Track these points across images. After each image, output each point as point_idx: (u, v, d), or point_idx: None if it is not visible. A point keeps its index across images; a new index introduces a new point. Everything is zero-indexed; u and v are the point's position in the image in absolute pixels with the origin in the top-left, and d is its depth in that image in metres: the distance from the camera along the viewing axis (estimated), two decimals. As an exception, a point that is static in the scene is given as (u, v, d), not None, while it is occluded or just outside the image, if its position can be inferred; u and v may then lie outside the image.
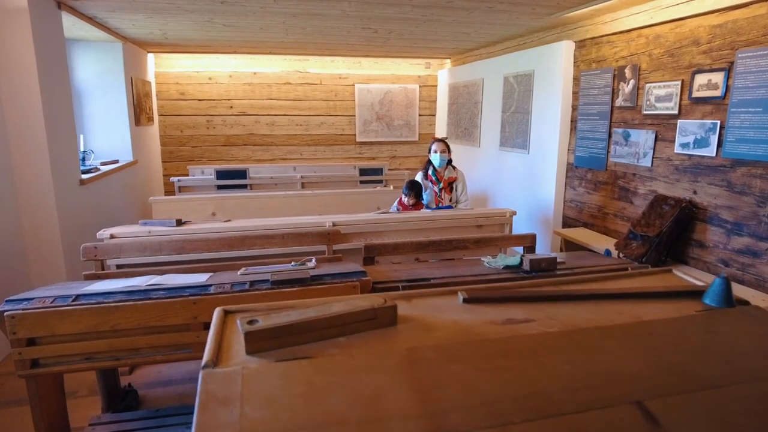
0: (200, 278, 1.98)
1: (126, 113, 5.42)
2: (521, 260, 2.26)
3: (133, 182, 5.52)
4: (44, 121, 3.35)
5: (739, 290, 2.90)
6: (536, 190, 5.12)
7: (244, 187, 5.18)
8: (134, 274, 2.46)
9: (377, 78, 7.73)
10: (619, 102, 4.04)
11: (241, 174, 5.17)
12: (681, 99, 3.44)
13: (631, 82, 3.89)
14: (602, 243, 3.94)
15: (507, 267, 2.26)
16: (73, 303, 1.66)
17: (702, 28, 3.26)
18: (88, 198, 4.07)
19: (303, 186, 5.39)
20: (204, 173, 6.08)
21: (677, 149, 3.47)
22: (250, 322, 0.72)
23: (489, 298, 0.89)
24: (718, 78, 3.15)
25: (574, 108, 4.64)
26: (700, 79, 3.27)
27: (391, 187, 4.57)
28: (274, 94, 7.41)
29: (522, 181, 5.35)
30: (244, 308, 0.85)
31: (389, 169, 5.85)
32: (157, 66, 6.92)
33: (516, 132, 5.43)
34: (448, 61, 7.63)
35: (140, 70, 6.08)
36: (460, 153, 6.74)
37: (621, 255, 3.58)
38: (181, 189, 5.08)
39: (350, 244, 3.00)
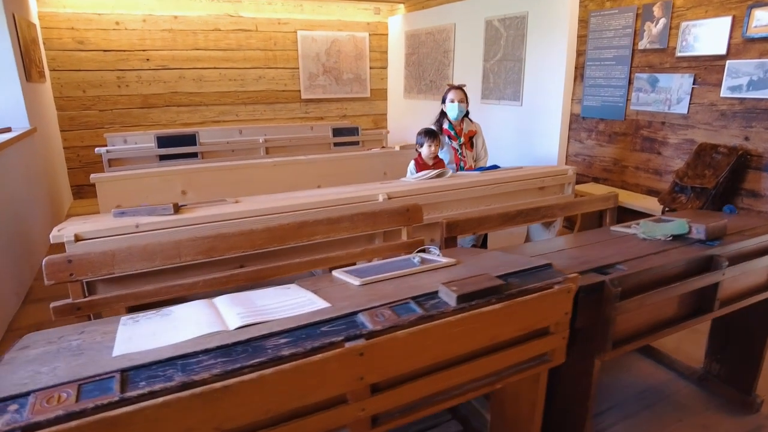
0: (307, 298, 1.19)
1: (13, 64, 3.97)
2: (689, 228, 1.77)
3: (34, 157, 4.14)
4: None
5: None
6: (532, 145, 4.72)
7: (193, 155, 4.10)
8: (135, 298, 1.56)
9: (322, 24, 6.74)
10: (643, 44, 3.69)
11: (190, 140, 4.08)
12: (731, 37, 3.13)
13: (662, 21, 3.54)
14: (638, 200, 3.65)
15: (675, 237, 1.76)
16: (132, 394, 0.81)
17: (763, -45, 2.94)
18: (-15, 181, 2.83)
19: (267, 151, 4.44)
20: (127, 142, 4.80)
21: (724, 93, 3.20)
22: None
23: None
24: (783, 11, 2.86)
25: (580, 53, 4.24)
26: (759, 15, 2.97)
27: (397, 147, 3.86)
28: (201, 43, 6.12)
29: (513, 136, 4.91)
30: None
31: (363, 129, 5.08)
32: (40, 4, 5.27)
33: (504, 82, 4.94)
34: (402, 6, 6.85)
35: (22, 7, 4.53)
36: (427, 109, 6.13)
37: (667, 210, 3.31)
38: (111, 163, 3.87)
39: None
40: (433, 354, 1.06)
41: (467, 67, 5.45)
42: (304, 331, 1.02)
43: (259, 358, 0.91)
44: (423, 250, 1.60)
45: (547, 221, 3.00)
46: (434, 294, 1.18)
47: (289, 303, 1.18)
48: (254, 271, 1.68)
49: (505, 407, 1.49)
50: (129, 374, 0.88)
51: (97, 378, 0.87)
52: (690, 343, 2.50)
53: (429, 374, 1.07)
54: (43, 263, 1.44)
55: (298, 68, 6.74)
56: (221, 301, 1.25)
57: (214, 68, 6.28)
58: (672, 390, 2.25)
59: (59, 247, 1.86)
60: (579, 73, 4.28)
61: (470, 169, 3.43)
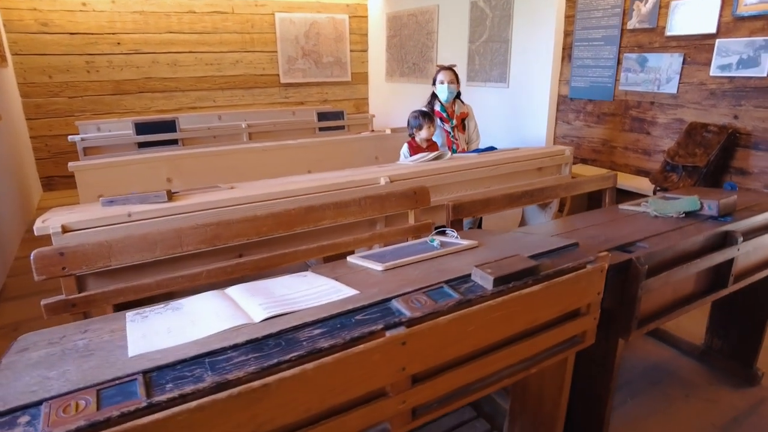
0: (330, 286, 1.11)
1: (-27, 46, 3.70)
2: (701, 204, 1.76)
3: (1, 148, 3.88)
4: None
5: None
6: (519, 127, 4.70)
7: (174, 142, 3.93)
8: (135, 292, 1.45)
9: (300, 6, 6.53)
10: (632, 24, 3.67)
11: (169, 126, 3.90)
12: (721, 16, 3.14)
13: (651, 0, 3.52)
14: (628, 180, 3.67)
15: (688, 214, 1.75)
16: (160, 399, 0.72)
17: (754, -69, 2.93)
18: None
19: (251, 137, 4.29)
20: (101, 130, 4.57)
21: (714, 72, 3.22)
22: None
23: None
24: (773, -12, 2.87)
25: (568, 34, 4.21)
26: (749, -9, 2.98)
27: (388, 131, 3.76)
28: (175, 26, 5.86)
29: (500, 118, 4.87)
30: None
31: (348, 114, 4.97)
32: (-1, -18, 4.93)
33: (491, 64, 4.88)
34: (382, -13, 6.69)
35: (-20, -15, 4.22)
36: (410, 92, 6.05)
37: (659, 189, 3.33)
38: (86, 151, 3.67)
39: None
40: (473, 341, 1.00)
41: (452, 49, 5.37)
42: (337, 320, 0.94)
43: (296, 351, 0.83)
44: (439, 233, 1.54)
45: (544, 203, 2.98)
46: (467, 277, 1.12)
47: (313, 291, 1.11)
48: (261, 259, 1.59)
49: (528, 391, 1.45)
50: (152, 376, 0.79)
51: (117, 381, 0.77)
52: (688, 320, 2.52)
53: (468, 362, 1.01)
54: (32, 257, 1.32)
55: (276, 52, 6.53)
56: (236, 292, 1.16)
57: (190, 52, 6.03)
58: (676, 366, 2.27)
59: (37, 241, 1.71)
60: (567, 53, 4.25)
61: (463, 151, 3.38)
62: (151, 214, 1.73)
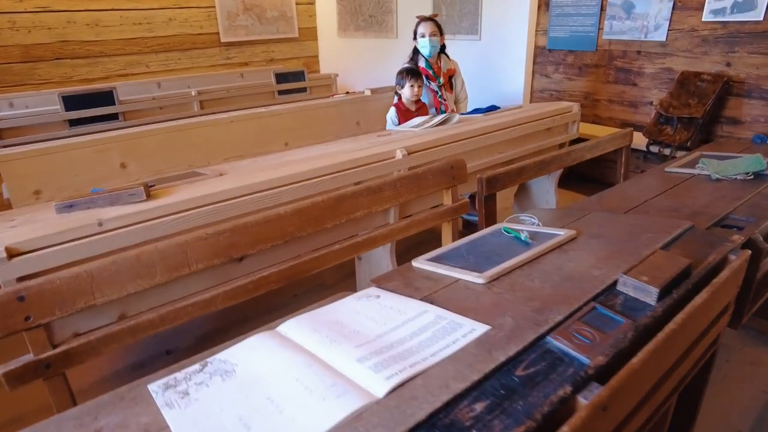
0: (437, 316, 0.81)
1: None
2: (766, 163, 1.60)
3: None
4: None
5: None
6: (493, 82, 4.45)
7: (113, 117, 3.33)
8: (133, 333, 1.07)
9: (237, -47, 5.76)
10: (617, -34, 3.46)
11: (106, 98, 3.29)
12: (715, -46, 2.98)
13: (638, -62, 3.30)
14: (619, 133, 3.54)
15: (756, 174, 1.59)
16: None
17: None
18: None
19: (202, 106, 3.75)
20: (14, 106, 3.82)
21: (706, 17, 3.09)
22: None
23: None
24: (772, -76, 2.73)
25: (545, -21, 3.94)
26: (747, -72, 2.82)
27: (368, 92, 3.36)
28: (91, -22, 4.97)
29: (471, 74, 4.55)
30: None
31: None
32: None
33: (459, 15, 4.54)
34: (328, -70, 6.04)
35: None
36: (368, 48, 5.60)
37: (652, 142, 3.24)
38: (3, 134, 3.01)
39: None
40: (651, 377, 0.75)
41: (414, -1, 4.95)
42: (495, 382, 0.66)
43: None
44: (511, 221, 1.27)
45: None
46: (612, 288, 0.86)
47: (419, 327, 0.80)
48: (288, 268, 1.25)
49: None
50: None
51: None
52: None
53: (643, 404, 0.77)
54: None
55: (214, 7, 5.78)
56: (302, 336, 0.84)
57: (113, 10, 5.17)
58: (706, 329, 2.20)
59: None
60: (544, 1, 3.99)
61: (453, 113, 3.10)
62: (130, 219, 1.32)
